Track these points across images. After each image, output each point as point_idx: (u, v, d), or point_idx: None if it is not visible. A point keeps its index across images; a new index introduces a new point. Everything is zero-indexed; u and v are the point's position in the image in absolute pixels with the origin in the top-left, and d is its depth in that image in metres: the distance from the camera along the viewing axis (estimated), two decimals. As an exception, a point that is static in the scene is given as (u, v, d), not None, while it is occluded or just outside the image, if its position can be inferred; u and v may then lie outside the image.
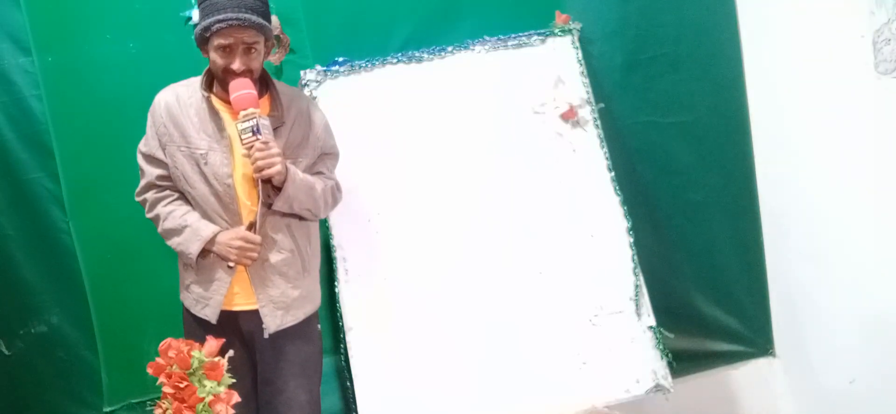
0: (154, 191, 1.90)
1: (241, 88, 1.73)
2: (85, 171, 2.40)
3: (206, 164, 1.81)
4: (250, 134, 1.71)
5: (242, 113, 1.72)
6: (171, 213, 1.85)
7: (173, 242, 1.86)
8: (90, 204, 2.41)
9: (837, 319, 2.44)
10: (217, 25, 1.71)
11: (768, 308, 2.78)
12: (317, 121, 1.95)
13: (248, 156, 1.73)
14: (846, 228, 2.35)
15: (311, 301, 1.98)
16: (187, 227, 1.82)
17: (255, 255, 1.80)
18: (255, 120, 1.72)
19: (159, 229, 1.89)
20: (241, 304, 1.88)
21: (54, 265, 2.48)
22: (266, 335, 1.86)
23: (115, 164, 2.32)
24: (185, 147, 1.82)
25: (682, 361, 2.50)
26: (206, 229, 1.81)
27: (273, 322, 1.87)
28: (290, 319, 1.90)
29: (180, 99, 1.84)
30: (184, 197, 1.89)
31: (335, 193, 2.00)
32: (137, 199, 1.93)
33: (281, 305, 1.88)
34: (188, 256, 1.83)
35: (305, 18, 2.47)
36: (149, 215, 1.91)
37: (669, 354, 2.39)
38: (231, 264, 1.81)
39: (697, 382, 2.72)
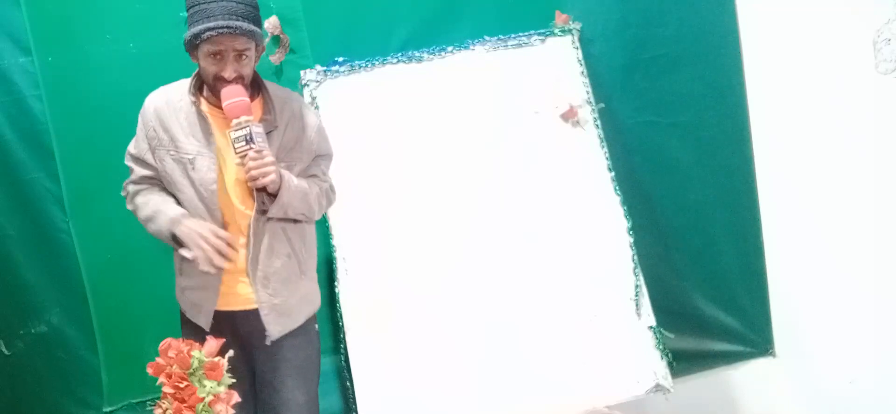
0: (133, 184, 1.89)
1: (234, 96, 1.70)
2: (85, 171, 2.40)
3: (193, 169, 1.80)
4: (244, 142, 1.69)
5: (235, 121, 1.69)
6: (147, 202, 1.84)
7: (152, 230, 1.84)
8: (90, 204, 2.41)
9: (837, 319, 2.44)
10: (207, 33, 1.67)
11: (768, 308, 2.78)
12: (310, 123, 1.93)
13: (242, 165, 1.72)
14: (846, 228, 2.35)
15: (311, 302, 1.98)
16: (158, 211, 1.81)
17: (220, 261, 1.75)
18: (248, 128, 1.69)
19: (140, 219, 1.87)
20: (237, 305, 1.88)
21: (54, 265, 2.48)
22: (268, 342, 1.86)
23: (115, 164, 2.29)
24: (173, 151, 1.81)
25: (682, 361, 2.50)
26: (172, 210, 1.79)
27: (276, 329, 1.87)
28: (292, 324, 1.90)
29: (170, 102, 1.83)
30: (165, 189, 1.88)
31: (329, 195, 1.99)
32: (123, 194, 1.93)
33: (283, 312, 1.88)
34: (167, 241, 1.81)
35: (305, 18, 2.47)
36: (129, 207, 1.90)
37: (669, 354, 2.39)
38: (190, 257, 1.76)
39: (697, 382, 2.73)
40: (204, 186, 1.80)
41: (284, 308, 1.87)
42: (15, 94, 2.39)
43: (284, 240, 1.87)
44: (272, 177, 1.72)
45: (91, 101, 2.38)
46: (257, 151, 1.70)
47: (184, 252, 1.76)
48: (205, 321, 1.87)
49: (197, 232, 1.74)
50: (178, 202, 1.86)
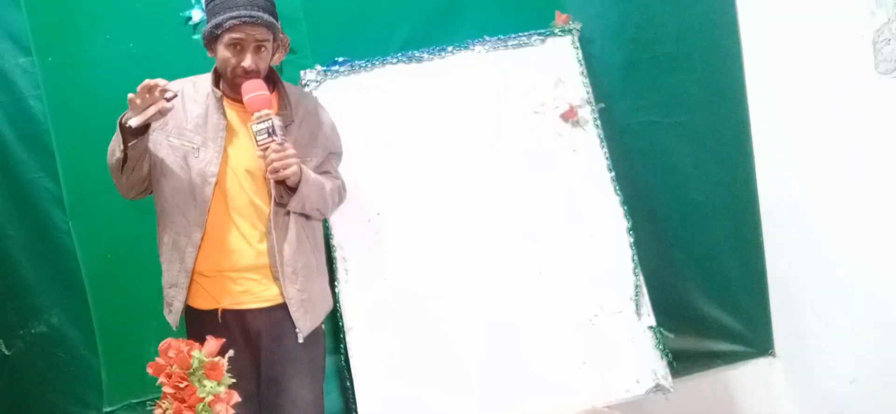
0: None
1: (255, 90, 1.75)
2: (85, 171, 2.39)
3: (196, 157, 1.82)
4: (266, 135, 1.72)
5: (257, 114, 1.73)
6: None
7: (114, 150, 1.78)
8: (90, 204, 2.41)
9: (837, 319, 2.44)
10: (230, 22, 1.73)
11: (768, 308, 2.78)
12: (325, 120, 1.98)
13: (264, 157, 1.74)
14: (846, 228, 2.35)
15: (327, 301, 2.02)
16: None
17: (154, 82, 1.64)
18: (270, 121, 1.73)
19: (111, 164, 1.82)
20: (249, 302, 1.88)
21: (54, 265, 2.47)
22: (300, 339, 1.87)
23: (115, 164, 2.32)
24: (176, 138, 1.83)
25: (682, 361, 2.50)
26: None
27: (306, 325, 1.88)
28: (316, 321, 1.93)
29: (184, 93, 1.86)
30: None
31: (341, 193, 2.02)
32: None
33: (309, 308, 1.89)
34: (118, 151, 1.75)
35: (305, 18, 2.47)
36: (109, 166, 1.85)
37: (669, 354, 2.39)
38: (132, 113, 1.66)
39: (697, 382, 2.72)
40: (202, 176, 1.82)
41: (310, 304, 1.89)
42: (15, 94, 2.39)
43: (305, 237, 1.89)
44: (294, 169, 1.76)
45: (91, 101, 2.38)
46: (279, 144, 1.72)
47: (133, 121, 1.66)
48: (174, 320, 1.88)
49: (130, 100, 1.67)
50: (158, 186, 1.87)
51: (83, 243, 2.43)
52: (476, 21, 2.55)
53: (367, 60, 2.47)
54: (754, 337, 2.79)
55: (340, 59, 2.46)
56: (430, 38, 2.52)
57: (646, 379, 2.34)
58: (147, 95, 1.64)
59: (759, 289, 2.77)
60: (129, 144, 1.72)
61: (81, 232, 2.43)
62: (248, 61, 1.76)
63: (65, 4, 2.35)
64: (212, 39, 1.80)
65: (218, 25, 1.74)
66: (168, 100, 1.67)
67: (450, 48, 2.50)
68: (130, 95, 1.65)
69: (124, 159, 1.76)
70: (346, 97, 2.41)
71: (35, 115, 2.40)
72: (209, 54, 1.85)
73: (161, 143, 1.84)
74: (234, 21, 1.73)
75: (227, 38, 1.76)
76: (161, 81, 1.65)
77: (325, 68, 2.44)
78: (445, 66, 2.49)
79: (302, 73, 2.43)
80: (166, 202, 1.86)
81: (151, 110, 1.65)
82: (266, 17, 1.76)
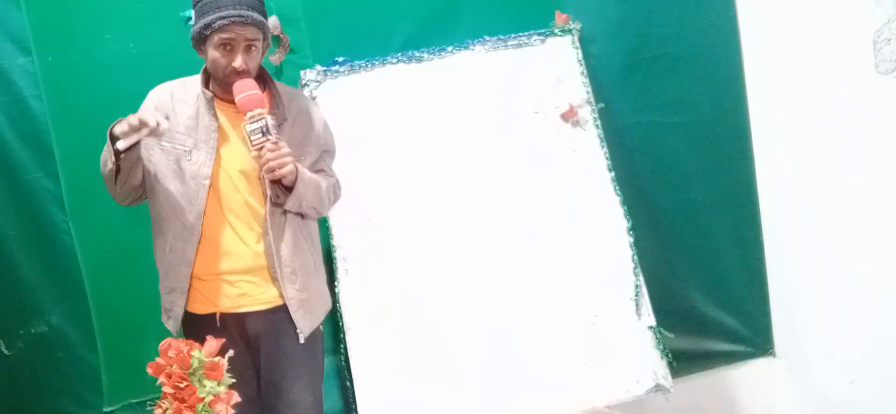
0: None
1: (247, 90, 1.73)
2: (85, 171, 2.38)
3: (188, 160, 1.81)
4: (260, 135, 1.71)
5: (249, 114, 1.72)
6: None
7: (106, 161, 1.78)
8: (90, 204, 2.41)
9: (837, 319, 2.44)
10: (220, 22, 1.71)
11: (768, 308, 2.78)
12: (317, 118, 1.97)
13: (259, 157, 1.73)
14: (846, 228, 2.35)
15: (325, 301, 2.01)
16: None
17: (147, 117, 1.65)
18: (263, 120, 1.71)
19: (104, 174, 1.82)
20: (247, 305, 1.87)
21: (54, 265, 2.47)
22: (301, 340, 1.86)
23: (115, 164, 2.32)
24: (168, 142, 1.82)
25: (682, 361, 2.50)
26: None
27: (306, 325, 1.87)
28: (316, 321, 1.92)
29: (174, 96, 1.85)
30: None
31: (336, 190, 2.01)
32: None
33: (309, 308, 1.89)
34: (110, 162, 1.75)
35: (305, 18, 2.47)
36: (102, 174, 1.84)
37: (669, 354, 2.39)
38: (120, 133, 1.66)
39: (697, 382, 2.72)
40: (196, 179, 1.81)
41: (309, 304, 1.88)
42: (15, 94, 2.39)
43: (302, 236, 1.89)
44: (290, 167, 1.74)
45: (91, 101, 2.38)
46: (274, 143, 1.71)
47: (119, 144, 1.68)
48: (173, 326, 1.87)
49: (123, 119, 1.68)
50: (151, 192, 1.86)
51: (83, 243, 2.43)
52: (476, 21, 2.55)
53: (367, 60, 2.47)
54: (754, 337, 2.79)
55: (340, 59, 2.46)
56: (430, 38, 2.52)
57: (646, 379, 2.34)
58: (135, 129, 1.64)
59: (759, 289, 2.77)
60: (120, 157, 1.72)
61: (81, 232, 2.43)
62: (238, 61, 1.74)
63: (65, 4, 2.35)
64: (201, 40, 1.77)
65: (207, 26, 1.72)
66: (159, 126, 1.66)
67: (450, 48, 2.50)
68: (117, 130, 1.66)
69: (117, 170, 1.76)
70: (346, 97, 2.41)
71: (35, 115, 2.40)
72: (199, 55, 1.83)
73: (153, 147, 1.83)
74: (224, 21, 1.71)
75: (216, 38, 1.74)
76: (146, 119, 1.63)
77: (325, 68, 2.44)
78: (445, 66, 2.49)
79: (302, 73, 2.43)
80: (162, 207, 1.85)
81: (143, 132, 1.65)
82: (255, 16, 1.74)
